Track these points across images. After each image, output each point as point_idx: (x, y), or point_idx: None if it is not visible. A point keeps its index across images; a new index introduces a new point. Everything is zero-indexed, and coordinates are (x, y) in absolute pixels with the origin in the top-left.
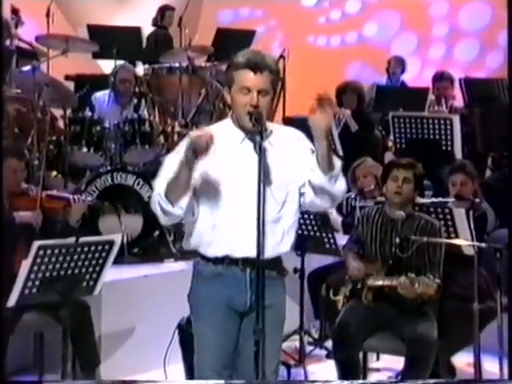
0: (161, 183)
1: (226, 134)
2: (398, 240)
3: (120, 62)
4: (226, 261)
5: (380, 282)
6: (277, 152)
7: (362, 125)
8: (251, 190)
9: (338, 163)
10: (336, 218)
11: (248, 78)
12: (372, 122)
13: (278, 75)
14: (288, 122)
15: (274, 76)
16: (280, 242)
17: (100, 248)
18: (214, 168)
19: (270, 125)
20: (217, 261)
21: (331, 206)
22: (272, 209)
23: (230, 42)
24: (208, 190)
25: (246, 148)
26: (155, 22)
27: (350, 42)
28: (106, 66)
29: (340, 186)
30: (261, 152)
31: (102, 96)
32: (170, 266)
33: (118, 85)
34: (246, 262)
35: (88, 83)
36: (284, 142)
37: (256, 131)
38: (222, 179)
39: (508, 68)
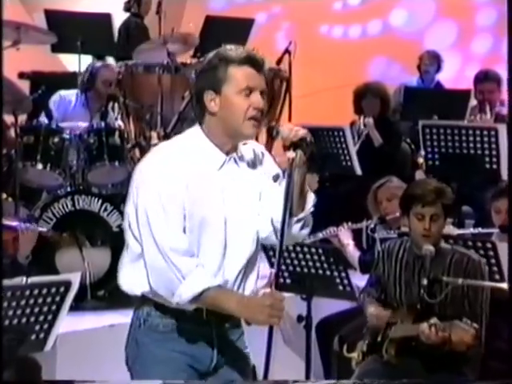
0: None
1: (200, 156)
2: (425, 281)
3: (87, 58)
4: (189, 313)
5: (405, 333)
6: (244, 175)
7: (386, 137)
8: (235, 232)
9: (310, 203)
10: (352, 252)
11: (251, 75)
12: (399, 134)
13: (267, 80)
14: (271, 131)
15: (266, 79)
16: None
17: (53, 291)
18: (190, 203)
19: None
20: (179, 313)
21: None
22: (251, 247)
23: (223, 34)
24: (191, 233)
25: (225, 176)
26: (128, 7)
27: (372, 32)
28: (69, 61)
29: (305, 232)
30: (291, 177)
31: (67, 96)
32: None
33: (100, 86)
34: (212, 313)
35: (46, 83)
36: (248, 160)
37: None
38: (200, 217)
39: (508, 68)
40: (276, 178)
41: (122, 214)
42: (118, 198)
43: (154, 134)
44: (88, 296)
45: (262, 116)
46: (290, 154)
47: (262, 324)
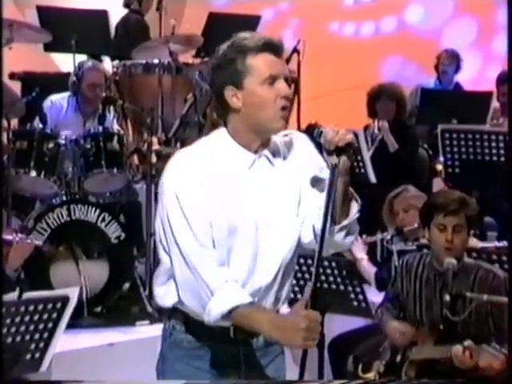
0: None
1: (227, 158)
2: (448, 298)
3: (82, 58)
4: (216, 329)
5: (428, 355)
6: (279, 174)
7: (402, 142)
8: (267, 238)
9: (354, 208)
10: (367, 267)
11: (272, 62)
12: (415, 139)
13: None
14: (312, 130)
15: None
16: (284, 300)
17: (50, 307)
18: (217, 211)
19: None
20: (205, 328)
21: (331, 252)
22: (287, 255)
23: (227, 32)
24: (219, 241)
25: (257, 174)
26: (127, 3)
27: (386, 30)
28: (62, 61)
29: (350, 239)
30: (333, 185)
31: (58, 101)
32: (144, 330)
33: (85, 90)
34: (241, 330)
35: (38, 84)
36: (285, 155)
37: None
38: (228, 225)
39: (508, 68)
40: (314, 183)
41: (120, 224)
42: (116, 208)
43: (154, 139)
44: (84, 313)
45: (291, 106)
46: (333, 159)
47: (296, 347)
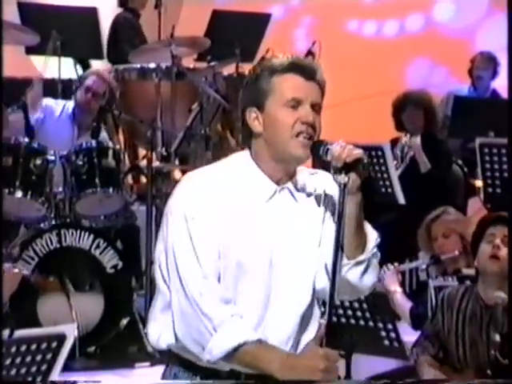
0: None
1: (246, 184)
2: (497, 337)
3: (68, 61)
4: (224, 374)
5: None
6: (302, 212)
7: (433, 159)
8: (283, 279)
9: (371, 241)
10: (402, 302)
11: (298, 85)
12: (449, 155)
13: (324, 92)
14: (318, 148)
15: (322, 90)
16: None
17: (44, 347)
18: (227, 242)
19: None
20: (212, 374)
21: (347, 298)
22: (304, 301)
23: (233, 32)
24: (227, 276)
25: (276, 207)
26: (122, 2)
27: (412, 29)
28: (39, 63)
29: (368, 279)
30: (343, 207)
31: (50, 106)
32: (145, 373)
33: (84, 98)
34: (253, 375)
35: (19, 91)
36: (310, 194)
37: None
38: (237, 260)
39: (508, 68)
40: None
41: (117, 251)
42: (112, 233)
43: (153, 155)
44: (76, 353)
45: (315, 133)
46: (342, 178)
47: None
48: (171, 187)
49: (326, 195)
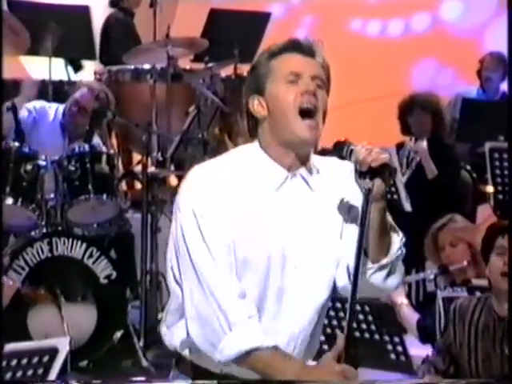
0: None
1: (255, 175)
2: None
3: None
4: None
5: None
6: (318, 199)
7: (441, 165)
8: (297, 274)
9: (395, 244)
10: (409, 314)
11: (296, 60)
12: (457, 160)
13: (329, 74)
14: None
15: (326, 72)
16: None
17: (35, 361)
18: (236, 236)
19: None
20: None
21: (371, 297)
22: (320, 299)
23: (232, 31)
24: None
25: (288, 196)
26: (114, 1)
27: (418, 29)
28: (31, 65)
29: (392, 282)
30: (366, 213)
31: (43, 109)
32: None
33: (70, 115)
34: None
35: (8, 93)
36: (328, 181)
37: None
38: (244, 256)
39: (508, 68)
40: (353, 215)
41: (111, 261)
42: (106, 241)
43: (149, 160)
44: (68, 368)
45: (319, 110)
46: (366, 183)
47: None
48: (167, 194)
49: (342, 183)
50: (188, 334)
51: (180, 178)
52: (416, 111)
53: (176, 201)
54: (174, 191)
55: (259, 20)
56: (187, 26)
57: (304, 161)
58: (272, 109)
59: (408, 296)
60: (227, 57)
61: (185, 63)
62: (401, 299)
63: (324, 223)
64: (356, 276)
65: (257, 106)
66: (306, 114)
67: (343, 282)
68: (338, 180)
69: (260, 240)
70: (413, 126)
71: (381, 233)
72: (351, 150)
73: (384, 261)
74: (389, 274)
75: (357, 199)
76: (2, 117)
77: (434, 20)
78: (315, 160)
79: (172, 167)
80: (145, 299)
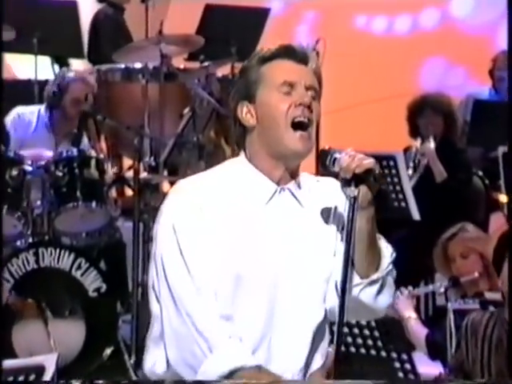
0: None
1: (242, 186)
2: None
3: (44, 60)
4: None
5: None
6: (308, 215)
7: (451, 169)
8: (289, 293)
9: (386, 258)
10: (417, 329)
11: (289, 68)
12: (468, 164)
13: (321, 81)
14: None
15: (319, 79)
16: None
17: (21, 380)
18: (223, 253)
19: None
20: None
21: (362, 319)
22: (315, 316)
23: (228, 28)
24: (223, 290)
25: (277, 210)
26: None
27: (427, 26)
28: (14, 63)
29: (384, 300)
30: (353, 222)
31: (26, 115)
32: None
33: (67, 106)
34: None
35: None
36: (317, 197)
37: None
38: (236, 274)
39: (508, 68)
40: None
41: (100, 272)
42: (94, 252)
43: (141, 166)
44: None
45: (312, 122)
46: (351, 191)
47: None
48: (160, 201)
49: (336, 203)
50: (167, 363)
51: (173, 184)
52: (427, 112)
53: (158, 216)
54: None
55: (257, 16)
56: (181, 22)
57: (293, 175)
58: (262, 117)
59: (416, 310)
60: (224, 55)
61: (179, 62)
62: (408, 313)
63: (315, 239)
64: (344, 292)
65: (245, 113)
66: (298, 126)
67: (331, 304)
68: (327, 197)
69: (249, 256)
70: (422, 128)
71: (369, 244)
72: (335, 158)
73: (374, 276)
74: (380, 291)
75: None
76: (2, 118)
77: (444, 16)
78: (304, 177)
79: (165, 173)
80: (136, 313)
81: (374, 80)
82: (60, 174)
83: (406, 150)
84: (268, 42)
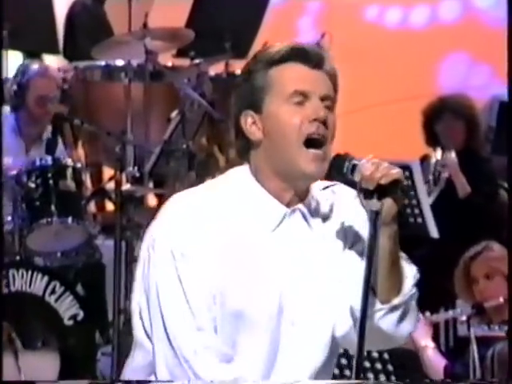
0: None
1: (248, 211)
2: None
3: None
4: None
5: None
6: (319, 241)
7: (475, 181)
8: (296, 331)
9: (409, 279)
10: (435, 359)
11: (302, 74)
12: (494, 177)
13: (336, 85)
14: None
15: (334, 82)
16: None
17: None
18: (223, 284)
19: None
20: None
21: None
22: (323, 352)
23: (222, 21)
24: (223, 327)
25: (286, 236)
26: None
27: (447, 18)
28: None
29: (406, 327)
30: (376, 225)
31: None
32: None
33: (31, 105)
34: None
35: None
36: (328, 216)
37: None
38: (236, 308)
39: (508, 68)
40: (358, 251)
41: (77, 298)
42: (71, 274)
43: (123, 176)
44: None
45: (329, 135)
46: (374, 204)
47: None
48: (144, 216)
49: (345, 216)
50: None
51: (160, 198)
52: (446, 117)
53: (149, 235)
54: (153, 213)
55: (255, 7)
56: (169, 14)
57: (303, 195)
58: (270, 132)
59: (435, 339)
60: (217, 51)
61: (166, 59)
62: (425, 342)
63: (323, 267)
64: (363, 317)
65: (250, 124)
66: (312, 144)
67: (344, 330)
68: (343, 213)
69: (252, 290)
70: (441, 135)
71: (392, 265)
72: (354, 166)
73: (396, 300)
74: (402, 318)
75: (363, 230)
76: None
77: (466, 7)
78: (316, 190)
79: (151, 184)
80: (118, 344)
81: (386, 79)
82: (33, 185)
83: (423, 160)
84: (267, 36)
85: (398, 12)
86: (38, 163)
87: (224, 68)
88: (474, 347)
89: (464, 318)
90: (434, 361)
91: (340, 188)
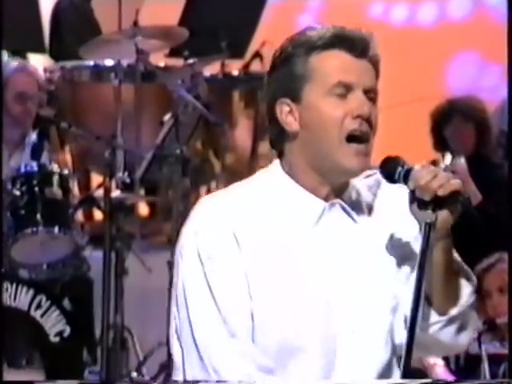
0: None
1: (283, 207)
2: None
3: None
4: None
5: None
6: (364, 236)
7: (486, 189)
8: (342, 319)
9: (466, 288)
10: (443, 376)
11: (346, 64)
12: (505, 182)
13: (378, 72)
14: (392, 169)
15: (376, 69)
16: None
17: None
18: (267, 289)
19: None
20: None
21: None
22: (380, 359)
23: (218, 19)
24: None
25: (327, 232)
26: None
27: (456, 16)
28: None
29: (466, 337)
30: (428, 237)
31: None
32: None
33: (10, 104)
34: None
35: None
36: (373, 208)
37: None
38: (286, 297)
39: (508, 68)
40: (409, 253)
41: (64, 313)
42: (57, 288)
43: (112, 183)
44: None
45: (371, 131)
46: (427, 215)
47: None
48: (135, 225)
49: (392, 208)
50: None
51: (152, 206)
52: (455, 120)
53: (179, 243)
54: (145, 222)
55: (252, 4)
56: (161, 11)
57: (342, 189)
58: (308, 124)
59: (445, 357)
60: (212, 51)
61: (158, 59)
62: (434, 359)
63: (376, 264)
64: (412, 333)
65: (286, 114)
66: (354, 138)
67: (401, 338)
68: (385, 205)
69: (295, 293)
70: (450, 140)
71: (448, 278)
72: (407, 170)
73: (453, 311)
74: (461, 329)
75: (411, 226)
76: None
77: (476, 4)
78: (356, 183)
79: (142, 192)
80: (106, 362)
81: (392, 81)
82: (17, 193)
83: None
84: (265, 35)
85: (404, 9)
86: (22, 169)
87: (220, 68)
88: (485, 365)
89: (475, 334)
90: (444, 378)
91: (382, 181)
